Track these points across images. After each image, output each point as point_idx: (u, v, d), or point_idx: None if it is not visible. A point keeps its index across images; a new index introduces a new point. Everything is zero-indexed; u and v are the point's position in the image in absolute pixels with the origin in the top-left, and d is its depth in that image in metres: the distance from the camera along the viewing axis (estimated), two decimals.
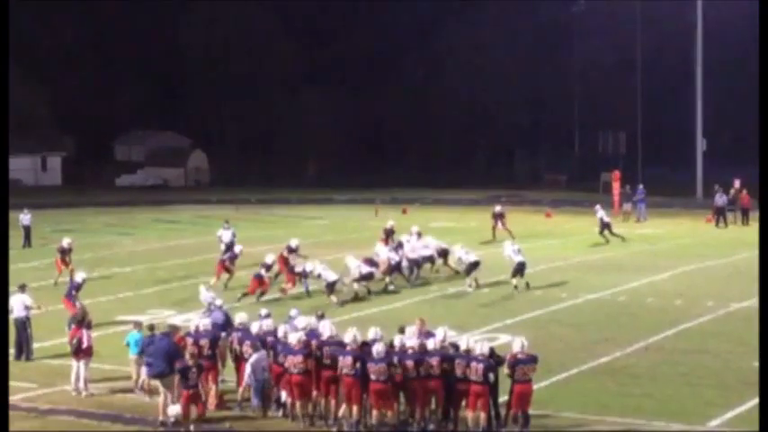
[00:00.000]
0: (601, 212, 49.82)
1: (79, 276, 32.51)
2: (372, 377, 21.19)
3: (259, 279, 34.95)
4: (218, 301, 26.27)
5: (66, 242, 39.96)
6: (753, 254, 42.73)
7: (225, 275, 37.33)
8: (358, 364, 21.28)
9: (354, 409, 21.40)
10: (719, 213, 57.08)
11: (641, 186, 61.63)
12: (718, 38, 76.31)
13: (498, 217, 50.41)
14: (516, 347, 21.23)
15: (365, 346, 21.89)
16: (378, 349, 21.34)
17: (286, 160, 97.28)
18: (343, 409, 21.66)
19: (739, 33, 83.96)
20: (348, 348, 21.65)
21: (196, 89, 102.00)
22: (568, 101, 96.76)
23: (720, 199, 57.61)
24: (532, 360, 21.08)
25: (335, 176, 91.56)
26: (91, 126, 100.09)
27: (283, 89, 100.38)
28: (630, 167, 79.23)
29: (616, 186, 63.78)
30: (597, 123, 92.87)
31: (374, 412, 21.35)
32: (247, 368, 22.63)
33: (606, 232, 49.22)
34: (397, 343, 21.85)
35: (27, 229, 49.89)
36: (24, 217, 50.28)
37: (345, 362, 21.43)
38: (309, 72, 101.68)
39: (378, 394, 21.19)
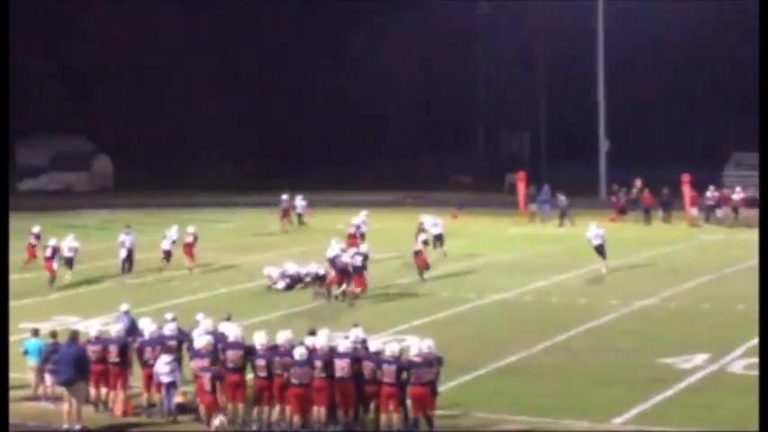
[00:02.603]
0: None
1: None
2: (294, 381, 21.09)
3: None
4: (124, 307, 25.96)
5: (36, 229, 44.20)
6: (655, 253, 43.49)
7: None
8: (355, 367, 21.08)
9: (322, 411, 21.17)
10: (562, 215, 57.95)
11: (546, 186, 62.14)
12: (619, 40, 77.28)
13: (290, 208, 54.77)
14: (413, 351, 21.32)
15: (274, 348, 21.83)
16: (300, 352, 21.26)
17: (192, 164, 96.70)
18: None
19: (640, 37, 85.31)
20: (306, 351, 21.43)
21: (102, 94, 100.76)
22: (472, 101, 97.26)
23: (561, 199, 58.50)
24: (428, 364, 20.96)
25: (242, 179, 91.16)
26: None
27: (191, 92, 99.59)
28: (536, 168, 79.89)
29: (521, 187, 64.37)
30: (501, 124, 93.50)
31: (294, 417, 21.18)
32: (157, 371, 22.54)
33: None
34: (308, 344, 21.75)
35: None
36: None
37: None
38: (216, 76, 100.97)
39: (297, 398, 21.08)
